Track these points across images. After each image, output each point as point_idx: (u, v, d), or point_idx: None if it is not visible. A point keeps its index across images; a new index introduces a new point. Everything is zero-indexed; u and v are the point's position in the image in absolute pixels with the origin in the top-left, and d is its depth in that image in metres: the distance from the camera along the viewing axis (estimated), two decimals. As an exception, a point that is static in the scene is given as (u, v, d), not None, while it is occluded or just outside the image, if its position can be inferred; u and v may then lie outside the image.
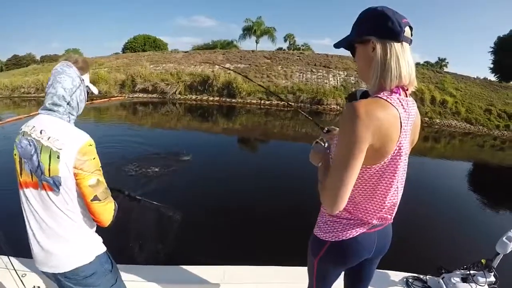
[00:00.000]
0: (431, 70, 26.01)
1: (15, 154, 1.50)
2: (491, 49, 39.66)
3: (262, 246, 4.16)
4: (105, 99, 21.92)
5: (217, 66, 25.80)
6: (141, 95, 24.46)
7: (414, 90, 1.34)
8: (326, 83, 24.51)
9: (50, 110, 1.49)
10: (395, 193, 1.38)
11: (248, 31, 44.27)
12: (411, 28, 1.27)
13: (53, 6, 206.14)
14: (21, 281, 2.10)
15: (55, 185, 1.43)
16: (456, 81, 26.41)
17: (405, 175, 1.40)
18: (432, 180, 8.55)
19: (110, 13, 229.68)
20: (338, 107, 21.90)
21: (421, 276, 2.78)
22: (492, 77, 38.93)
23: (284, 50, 43.29)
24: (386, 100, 1.22)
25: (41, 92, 25.81)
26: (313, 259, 1.60)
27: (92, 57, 36.92)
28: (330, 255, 1.52)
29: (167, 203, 2.34)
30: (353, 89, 23.00)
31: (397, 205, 1.44)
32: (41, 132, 1.45)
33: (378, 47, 1.24)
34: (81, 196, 1.49)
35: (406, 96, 1.31)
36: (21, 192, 1.52)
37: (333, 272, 1.63)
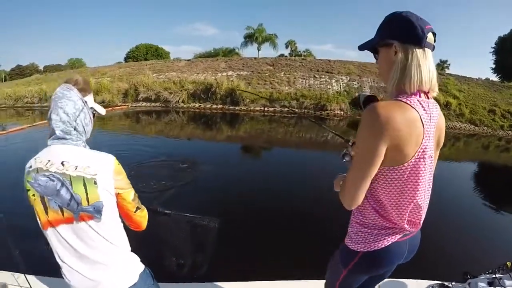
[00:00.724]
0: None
1: (33, 195, 1.39)
2: (492, 50, 39.76)
3: (272, 258, 4.10)
4: (108, 109, 21.90)
5: (219, 74, 25.87)
6: (144, 104, 24.47)
7: (435, 95, 1.35)
8: (329, 88, 24.46)
9: (62, 139, 1.44)
10: (422, 197, 1.37)
11: (249, 38, 44.44)
12: (434, 34, 1.30)
13: (55, 16, 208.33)
14: None
15: (96, 212, 1.40)
16: (459, 83, 26.35)
17: (431, 179, 1.40)
18: (445, 184, 8.41)
19: (112, 22, 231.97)
20: (342, 112, 21.86)
21: (447, 283, 2.75)
22: (494, 78, 39.02)
23: (286, 56, 43.39)
24: (405, 102, 1.25)
25: (44, 102, 26.00)
26: (342, 269, 1.60)
27: (95, 67, 37.18)
28: (361, 265, 1.52)
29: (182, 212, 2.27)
30: (357, 94, 23.03)
31: (425, 210, 1.44)
32: (63, 164, 1.39)
33: (400, 52, 1.28)
34: (120, 213, 1.53)
35: (428, 98, 1.32)
36: (48, 232, 1.42)
37: (358, 280, 1.65)
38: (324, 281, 1.84)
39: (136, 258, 1.63)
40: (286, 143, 13.99)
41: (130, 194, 1.52)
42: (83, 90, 1.56)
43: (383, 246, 1.43)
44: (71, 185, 1.37)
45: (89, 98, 1.60)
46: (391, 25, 1.34)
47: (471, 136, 19.56)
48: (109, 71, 32.33)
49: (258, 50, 44.89)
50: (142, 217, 1.61)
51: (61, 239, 1.42)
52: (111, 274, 1.49)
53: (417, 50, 1.26)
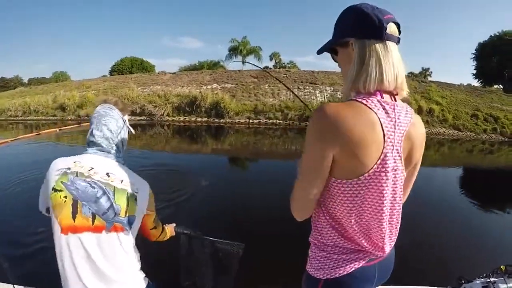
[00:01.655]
0: (416, 80, 26.41)
1: (64, 196, 1.40)
2: (473, 56, 40.85)
3: (262, 271, 4.13)
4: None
5: (204, 87, 25.91)
6: (129, 117, 24.10)
7: (406, 96, 1.19)
8: (313, 99, 24.74)
9: (106, 151, 1.55)
10: (385, 217, 1.17)
11: (234, 51, 44.59)
12: (397, 25, 1.13)
13: (40, 29, 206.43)
14: None
15: (128, 225, 1.49)
16: (441, 89, 27.01)
17: (400, 196, 1.19)
18: (435, 189, 8.52)
19: (97, 36, 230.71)
20: (326, 123, 22.02)
21: None
22: (475, 83, 39.99)
23: (271, 68, 43.68)
24: (360, 102, 1.07)
25: (28, 115, 25.70)
26: None
27: (79, 80, 36.90)
28: None
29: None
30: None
31: (394, 232, 1.26)
32: (108, 175, 1.48)
33: (356, 49, 1.11)
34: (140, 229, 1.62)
35: (395, 100, 1.14)
36: (67, 237, 1.40)
37: None
38: None
39: (142, 274, 1.64)
40: (272, 155, 14.07)
41: (153, 216, 1.70)
42: (123, 110, 1.70)
43: (345, 272, 1.23)
44: (114, 196, 1.45)
45: (126, 118, 1.73)
46: (345, 21, 1.17)
47: (455, 141, 19.97)
48: (94, 85, 32.16)
49: (243, 63, 45.12)
50: (154, 234, 1.78)
51: (81, 247, 1.40)
52: None
53: (377, 44, 1.08)
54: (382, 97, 1.09)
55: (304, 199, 1.18)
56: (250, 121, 23.12)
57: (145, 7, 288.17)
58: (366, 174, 1.07)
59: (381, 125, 1.05)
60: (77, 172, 1.43)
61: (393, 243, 1.29)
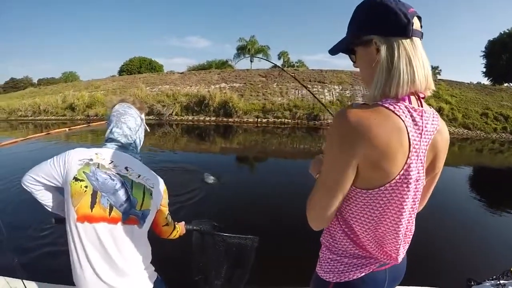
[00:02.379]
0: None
1: (85, 186, 1.44)
2: (483, 53, 40.38)
3: (270, 270, 4.12)
4: (102, 122, 21.86)
5: (212, 86, 25.95)
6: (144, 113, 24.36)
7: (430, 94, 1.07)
8: (321, 98, 24.60)
9: (125, 147, 1.61)
10: (402, 229, 1.11)
11: (242, 50, 44.79)
12: (419, 18, 1.03)
13: (49, 30, 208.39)
14: None
15: (142, 218, 1.53)
16: (450, 88, 26.70)
17: (416, 206, 1.13)
18: (445, 189, 8.39)
19: (106, 36, 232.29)
20: (335, 122, 21.90)
21: None
22: (485, 81, 39.55)
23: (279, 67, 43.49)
24: (387, 108, 0.97)
25: (38, 115, 25.93)
26: None
27: (88, 80, 37.16)
28: None
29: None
30: (349, 103, 23.15)
31: (407, 242, 1.20)
32: (127, 169, 1.54)
33: (382, 48, 0.99)
34: (152, 223, 1.65)
35: (421, 106, 1.04)
36: (83, 225, 1.44)
37: None
38: None
39: (152, 268, 1.69)
40: (281, 153, 14.03)
41: (166, 212, 1.72)
42: (140, 109, 1.75)
43: (355, 277, 1.20)
44: (132, 189, 1.51)
45: (143, 116, 1.79)
46: (365, 16, 1.05)
47: (465, 141, 19.73)
48: (103, 85, 32.42)
49: (251, 61, 45.17)
50: (166, 231, 1.80)
51: (95, 236, 1.45)
52: (129, 283, 1.54)
53: (404, 41, 0.98)
54: (410, 102, 1.00)
55: (324, 210, 1.10)
56: (259, 120, 23.10)
57: (153, 7, 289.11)
58: (388, 185, 1.01)
59: (408, 133, 0.97)
60: (99, 164, 1.49)
61: (405, 250, 1.24)
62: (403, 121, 0.96)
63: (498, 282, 2.46)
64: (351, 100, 23.87)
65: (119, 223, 1.47)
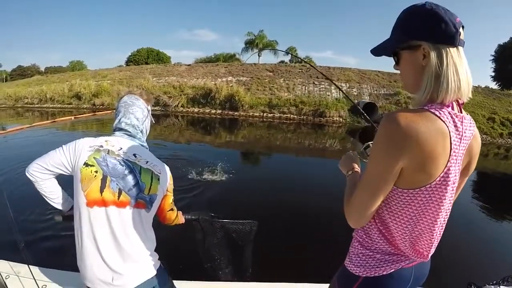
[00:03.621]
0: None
1: (95, 171, 1.50)
2: (492, 57, 40.00)
3: (272, 263, 4.11)
4: (108, 111, 21.91)
5: (219, 79, 25.90)
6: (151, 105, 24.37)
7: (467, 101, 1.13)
8: (328, 95, 24.53)
9: (132, 136, 1.69)
10: (437, 228, 1.18)
11: (250, 44, 44.72)
12: (463, 28, 1.07)
13: (58, 19, 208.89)
14: None
15: (149, 203, 1.60)
16: (458, 91, 26.29)
17: (450, 209, 1.19)
18: None
19: (115, 26, 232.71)
20: (341, 119, 21.87)
21: None
22: (493, 85, 39.13)
23: (286, 63, 43.44)
24: (433, 113, 1.02)
25: (44, 103, 26.01)
26: None
27: (96, 69, 37.22)
28: None
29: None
30: (356, 101, 23.06)
31: (437, 241, 1.25)
32: (135, 156, 1.62)
33: (433, 55, 1.04)
34: (157, 211, 1.72)
35: (461, 112, 1.11)
36: (93, 210, 1.49)
37: None
38: None
39: (156, 256, 1.74)
40: (287, 149, 14.00)
41: (171, 198, 1.76)
42: (147, 101, 1.83)
43: (386, 272, 1.25)
44: (140, 174, 1.57)
45: (150, 108, 1.86)
46: (415, 22, 1.07)
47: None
48: (110, 74, 32.45)
49: (259, 56, 45.06)
50: (171, 216, 1.84)
51: (104, 220, 1.50)
52: (135, 267, 1.58)
53: (451, 50, 1.03)
54: (453, 108, 1.07)
55: (366, 209, 1.14)
56: (264, 114, 22.97)
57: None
58: (428, 186, 1.07)
59: (450, 138, 1.03)
60: (108, 150, 1.56)
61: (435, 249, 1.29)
62: (447, 126, 1.02)
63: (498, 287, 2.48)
64: (357, 98, 23.72)
65: (128, 207, 1.53)
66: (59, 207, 1.75)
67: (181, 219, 2.03)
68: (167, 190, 1.70)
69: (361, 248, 1.31)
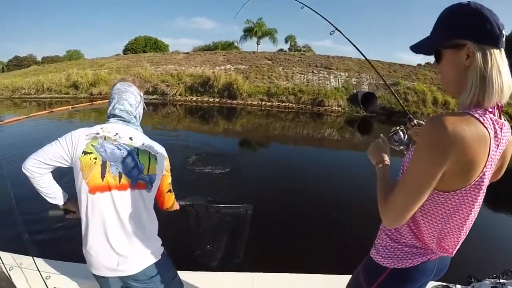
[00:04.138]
0: (432, 71, 25.78)
1: (94, 158, 1.55)
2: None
3: (288, 253, 4.12)
4: (105, 100, 21.76)
5: (217, 67, 25.74)
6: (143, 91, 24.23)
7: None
8: (327, 84, 24.35)
9: (127, 121, 1.73)
10: (466, 229, 1.23)
11: (249, 32, 44.34)
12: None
13: (54, 8, 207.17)
14: (45, 283, 2.10)
15: (150, 183, 1.66)
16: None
17: (478, 211, 1.20)
18: None
19: (111, 14, 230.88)
20: (340, 108, 21.71)
21: (451, 285, 2.74)
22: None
23: (285, 51, 43.20)
24: (478, 119, 1.02)
25: (41, 93, 25.84)
26: (367, 285, 1.44)
27: (93, 58, 36.97)
28: (389, 282, 1.37)
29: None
30: (355, 90, 22.98)
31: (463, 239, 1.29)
32: (131, 139, 1.67)
33: (478, 55, 1.02)
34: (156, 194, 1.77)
35: (500, 117, 1.10)
36: (95, 196, 1.55)
37: None
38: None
39: (160, 240, 1.81)
40: (285, 138, 13.99)
41: (169, 177, 1.82)
42: (140, 87, 1.88)
43: (412, 265, 1.30)
44: (138, 156, 1.63)
45: (142, 94, 1.92)
46: (460, 21, 1.07)
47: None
48: (107, 63, 32.15)
49: (258, 44, 44.80)
50: (170, 198, 1.87)
51: (108, 205, 1.56)
52: (140, 250, 1.64)
53: (495, 51, 1.03)
54: (494, 114, 1.06)
55: (406, 211, 1.12)
56: (263, 103, 22.81)
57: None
58: (463, 189, 1.09)
59: (490, 144, 1.03)
60: (105, 137, 1.61)
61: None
62: (489, 133, 1.02)
63: (498, 281, 2.50)
64: (356, 87, 23.57)
65: (129, 189, 1.59)
66: (54, 201, 1.77)
67: (176, 205, 2.06)
68: (165, 170, 1.76)
69: (389, 241, 1.35)
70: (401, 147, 1.61)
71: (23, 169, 1.57)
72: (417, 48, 1.24)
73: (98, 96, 24.22)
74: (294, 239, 4.58)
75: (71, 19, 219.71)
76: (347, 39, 2.34)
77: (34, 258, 2.12)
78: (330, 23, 2.51)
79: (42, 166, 1.57)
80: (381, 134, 1.54)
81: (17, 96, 26.31)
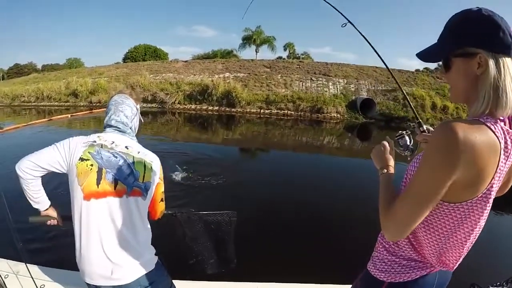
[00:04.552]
0: (431, 76, 25.85)
1: (90, 165, 1.57)
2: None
3: (286, 261, 4.12)
4: (104, 109, 21.76)
5: (216, 75, 25.79)
6: (140, 104, 24.17)
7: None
8: (326, 91, 24.39)
9: (122, 131, 1.77)
10: (470, 243, 1.16)
11: (247, 40, 44.47)
12: None
13: (54, 16, 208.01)
14: None
15: (145, 190, 1.68)
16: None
17: (483, 225, 1.14)
18: None
19: (111, 22, 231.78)
20: (339, 115, 21.75)
21: None
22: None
23: (284, 59, 43.33)
24: (489, 127, 0.97)
25: (41, 101, 25.88)
26: None
27: (92, 67, 37.05)
28: None
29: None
30: (354, 97, 23.02)
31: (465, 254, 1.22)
32: (127, 148, 1.71)
33: (491, 64, 0.98)
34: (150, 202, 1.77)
35: (511, 128, 1.05)
36: (89, 203, 1.55)
37: None
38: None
39: (153, 249, 1.80)
40: (284, 145, 13.96)
41: (162, 186, 1.84)
42: (136, 100, 1.93)
43: (410, 278, 1.24)
44: (134, 163, 1.67)
45: (139, 107, 1.95)
46: (472, 28, 1.01)
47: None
48: (106, 71, 32.22)
49: (256, 52, 44.93)
50: (161, 207, 1.90)
51: (102, 211, 1.56)
52: (134, 259, 1.63)
53: (507, 60, 0.98)
54: (505, 123, 1.02)
55: (409, 224, 1.06)
56: (262, 111, 22.86)
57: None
58: (469, 201, 1.04)
59: (499, 156, 0.98)
60: (101, 144, 1.65)
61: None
62: (500, 143, 0.97)
63: None
64: (355, 94, 23.62)
65: (124, 196, 1.60)
66: (37, 206, 1.78)
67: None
68: (159, 178, 1.80)
69: (387, 254, 1.30)
70: (406, 152, 1.55)
71: (16, 169, 1.57)
72: (424, 56, 1.18)
73: (98, 104, 24.24)
74: (290, 247, 4.55)
75: (71, 27, 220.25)
76: (360, 32, 2.17)
77: (28, 265, 2.12)
78: (343, 15, 2.36)
79: (36, 169, 1.57)
80: (387, 136, 1.47)
81: (17, 104, 26.34)
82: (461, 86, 1.09)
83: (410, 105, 1.95)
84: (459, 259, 1.21)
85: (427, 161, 1.01)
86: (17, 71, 68.47)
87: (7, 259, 2.63)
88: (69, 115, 19.00)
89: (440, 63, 1.16)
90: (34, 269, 2.48)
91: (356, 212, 5.83)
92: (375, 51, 2.13)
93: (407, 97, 2.03)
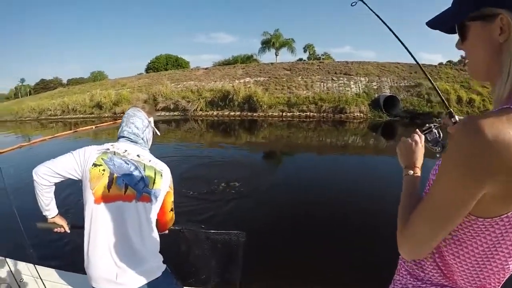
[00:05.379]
0: (454, 69, 25.12)
1: (103, 170, 1.64)
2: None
3: (312, 269, 3.98)
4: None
5: (236, 81, 25.84)
6: (163, 113, 24.61)
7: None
8: (348, 90, 24.06)
9: (134, 142, 1.84)
10: (511, 265, 0.90)
11: (267, 44, 44.65)
12: None
13: (79, 30, 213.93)
14: None
15: (154, 196, 1.72)
16: (482, 79, 25.45)
17: None
18: None
19: (134, 35, 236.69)
20: (362, 114, 21.35)
21: None
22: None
23: (304, 60, 43.13)
24: None
25: (66, 114, 26.66)
26: None
27: (115, 78, 37.84)
28: None
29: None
30: (376, 95, 22.61)
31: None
32: (138, 156, 1.78)
33: None
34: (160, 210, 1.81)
35: None
36: (99, 206, 1.61)
37: None
38: None
39: (161, 257, 1.82)
40: (309, 148, 13.77)
41: (172, 195, 1.88)
42: (149, 113, 1.99)
43: None
44: (144, 170, 1.73)
45: (152, 120, 2.00)
46: None
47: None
48: (129, 82, 32.95)
49: (276, 55, 44.95)
50: (171, 218, 1.94)
51: (112, 215, 1.61)
52: (141, 265, 1.66)
53: None
54: None
55: (427, 243, 0.87)
56: (284, 114, 22.71)
57: (180, 5, 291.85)
58: (510, 213, 0.78)
59: None
60: (114, 152, 1.73)
61: None
62: None
63: None
64: (378, 92, 23.21)
65: (134, 201, 1.66)
66: (47, 213, 1.85)
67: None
68: (169, 187, 1.84)
69: (410, 279, 1.07)
70: (437, 149, 1.28)
71: (33, 174, 1.65)
72: (435, 23, 0.96)
73: (121, 114, 24.54)
74: (310, 252, 4.40)
75: (95, 41, 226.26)
76: (371, 10, 1.82)
77: (37, 266, 2.19)
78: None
79: (54, 175, 1.66)
80: (417, 129, 1.25)
81: (44, 118, 27.41)
82: (481, 58, 0.85)
83: (438, 93, 1.70)
84: (499, 285, 0.95)
85: (447, 170, 0.80)
86: (43, 86, 70.92)
87: (17, 260, 2.71)
88: (93, 126, 19.61)
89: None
90: (43, 270, 2.51)
91: (388, 216, 5.54)
92: (391, 30, 1.82)
93: (435, 84, 1.78)
